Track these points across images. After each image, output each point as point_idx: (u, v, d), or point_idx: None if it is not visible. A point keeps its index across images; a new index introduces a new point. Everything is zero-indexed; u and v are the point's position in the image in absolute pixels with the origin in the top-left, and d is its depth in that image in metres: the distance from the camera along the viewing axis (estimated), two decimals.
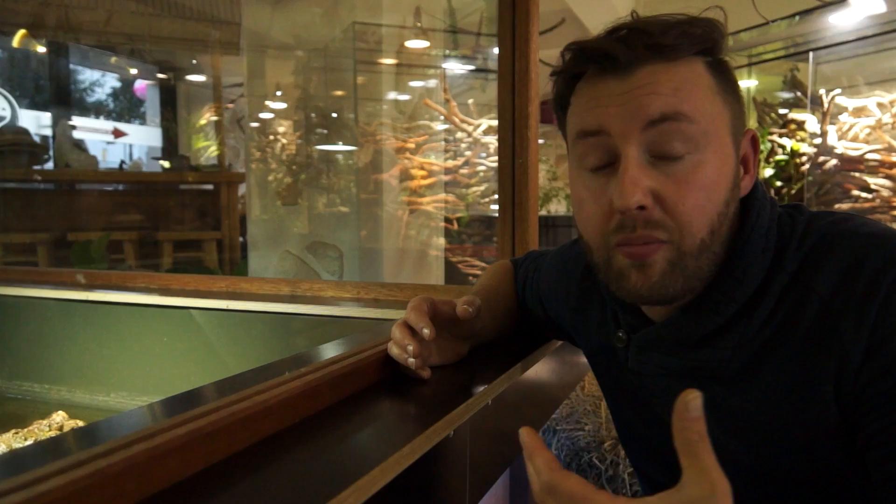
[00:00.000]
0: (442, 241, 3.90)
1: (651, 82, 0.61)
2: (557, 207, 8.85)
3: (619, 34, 0.63)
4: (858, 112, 3.85)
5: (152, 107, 8.68)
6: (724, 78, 0.65)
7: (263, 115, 4.56)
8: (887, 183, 3.72)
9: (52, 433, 1.18)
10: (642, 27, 0.63)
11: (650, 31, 0.62)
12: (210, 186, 4.65)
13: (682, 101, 0.61)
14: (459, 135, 4.14)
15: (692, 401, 0.43)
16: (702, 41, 0.63)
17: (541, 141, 1.36)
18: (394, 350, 0.77)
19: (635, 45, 0.61)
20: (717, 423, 0.66)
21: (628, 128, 0.61)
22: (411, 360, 0.75)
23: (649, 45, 0.61)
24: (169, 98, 7.39)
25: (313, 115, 4.12)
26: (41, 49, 5.69)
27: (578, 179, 0.67)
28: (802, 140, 4.16)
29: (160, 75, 7.07)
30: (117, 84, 10.30)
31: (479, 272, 3.96)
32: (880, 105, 3.78)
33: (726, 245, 0.64)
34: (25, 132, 4.51)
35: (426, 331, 0.74)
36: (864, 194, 3.76)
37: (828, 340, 0.57)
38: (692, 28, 0.63)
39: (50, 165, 4.63)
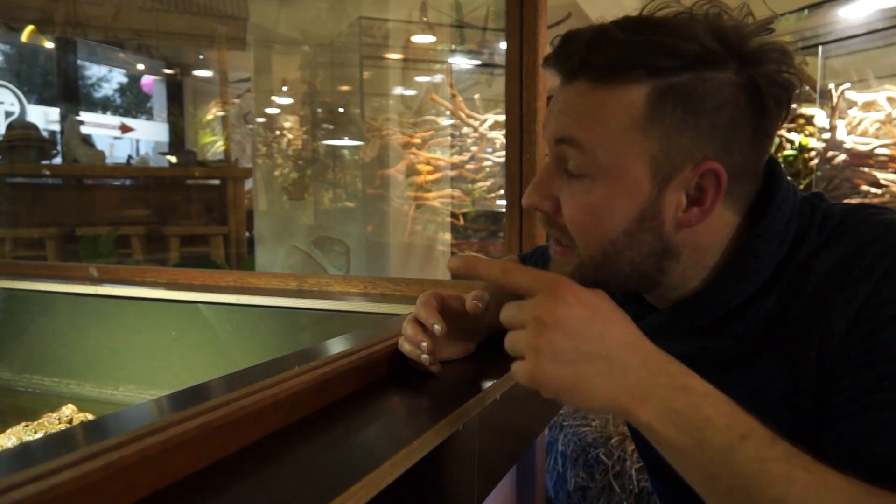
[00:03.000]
0: (448, 236, 3.90)
1: (568, 101, 0.62)
2: None
3: (571, 42, 0.61)
4: (868, 106, 3.81)
5: (159, 102, 8.69)
6: (678, 107, 0.58)
7: (270, 111, 4.56)
8: None
9: (62, 426, 1.19)
10: (594, 38, 0.60)
11: (593, 46, 0.60)
12: (217, 181, 4.66)
13: (580, 129, 0.60)
14: (465, 130, 4.13)
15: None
16: (658, 64, 0.57)
17: None
18: (405, 346, 0.77)
19: (572, 60, 0.61)
20: None
21: (547, 138, 0.64)
22: (424, 356, 0.75)
23: (583, 63, 0.60)
24: (176, 93, 7.42)
25: (319, 110, 4.12)
26: (49, 45, 5.71)
27: None
28: (811, 135, 4.13)
29: (167, 71, 7.09)
30: (124, 79, 10.32)
31: None
32: (890, 99, 3.74)
33: (662, 260, 0.63)
34: (34, 127, 4.52)
35: (437, 327, 0.74)
36: (873, 189, 3.73)
37: (817, 316, 0.57)
38: (656, 46, 0.57)
39: (58, 160, 4.65)
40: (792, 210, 0.64)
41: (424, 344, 0.74)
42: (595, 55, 0.59)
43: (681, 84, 0.58)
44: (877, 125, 3.78)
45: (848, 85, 3.86)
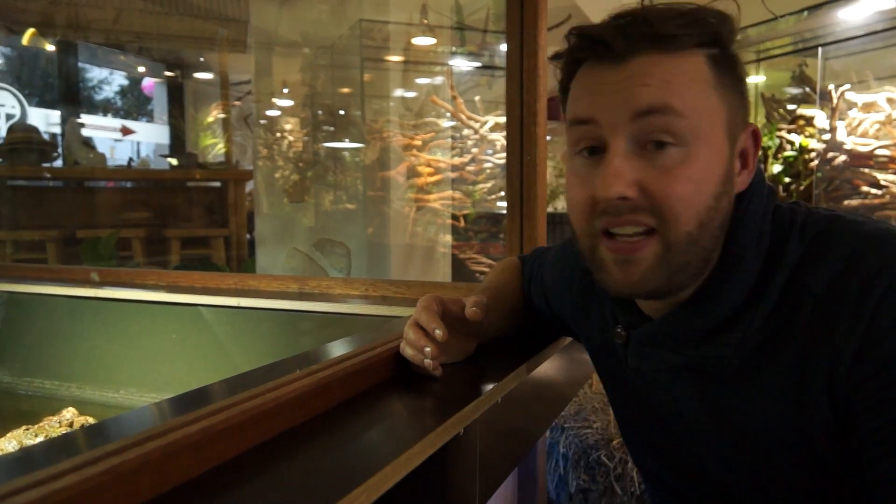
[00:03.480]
0: (449, 238, 3.90)
1: (643, 73, 0.61)
2: (565, 204, 8.84)
3: (619, 21, 0.62)
4: (868, 108, 3.81)
5: (160, 104, 8.69)
6: (728, 73, 0.63)
7: (271, 113, 4.57)
8: None
9: (63, 429, 1.19)
10: (644, 15, 0.62)
11: (650, 20, 0.61)
12: (217, 184, 4.65)
13: (671, 95, 0.60)
14: (466, 132, 4.13)
15: None
16: (705, 33, 0.62)
17: (548, 138, 1.36)
18: (407, 351, 0.77)
19: (632, 34, 0.61)
20: (714, 420, 0.66)
21: (617, 118, 0.61)
22: (427, 361, 0.75)
23: (646, 35, 0.60)
24: (177, 96, 7.40)
25: (320, 112, 4.12)
26: (50, 47, 5.71)
27: (570, 164, 0.68)
28: (811, 136, 4.13)
29: (168, 73, 7.09)
30: (125, 82, 10.34)
31: (486, 269, 3.96)
32: (890, 100, 3.74)
33: (720, 239, 0.64)
34: (35, 130, 4.52)
35: (438, 332, 0.74)
36: (873, 190, 3.73)
37: (821, 340, 0.57)
38: (697, 19, 0.62)
39: (59, 163, 4.65)
40: (766, 206, 0.65)
41: (428, 349, 0.74)
42: (661, 25, 0.61)
43: (721, 55, 0.63)
44: (877, 126, 3.78)
45: (848, 86, 3.86)
